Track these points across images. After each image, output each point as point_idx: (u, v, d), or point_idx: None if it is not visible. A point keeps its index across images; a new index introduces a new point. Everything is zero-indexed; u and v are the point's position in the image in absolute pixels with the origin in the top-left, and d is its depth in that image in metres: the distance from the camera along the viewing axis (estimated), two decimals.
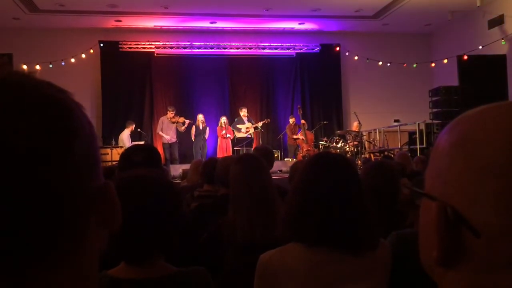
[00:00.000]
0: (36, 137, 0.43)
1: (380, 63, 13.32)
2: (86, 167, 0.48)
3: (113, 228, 0.52)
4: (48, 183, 0.43)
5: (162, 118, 11.71)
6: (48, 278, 0.45)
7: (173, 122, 11.50)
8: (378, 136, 12.21)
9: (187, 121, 11.62)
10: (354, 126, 11.70)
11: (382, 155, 10.35)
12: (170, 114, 11.54)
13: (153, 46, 12.93)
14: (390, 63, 13.30)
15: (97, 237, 0.51)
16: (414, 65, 13.18)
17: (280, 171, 9.24)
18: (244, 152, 10.92)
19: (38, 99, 0.45)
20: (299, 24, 13.04)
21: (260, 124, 11.94)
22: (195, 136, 11.60)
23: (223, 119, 11.64)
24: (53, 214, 0.44)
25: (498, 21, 11.14)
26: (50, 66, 11.63)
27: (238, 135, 11.71)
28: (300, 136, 11.60)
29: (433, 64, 13.24)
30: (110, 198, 0.51)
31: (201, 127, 11.61)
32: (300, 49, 13.68)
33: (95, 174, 0.50)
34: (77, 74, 11.80)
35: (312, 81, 13.76)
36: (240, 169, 2.29)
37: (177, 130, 11.62)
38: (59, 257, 0.46)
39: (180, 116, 11.61)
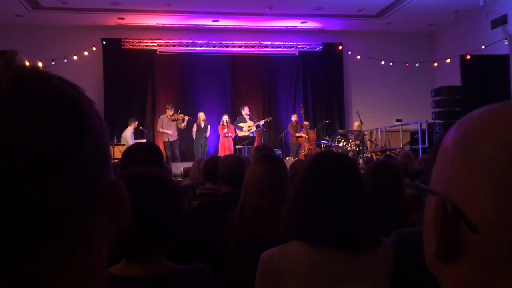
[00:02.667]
0: (47, 133, 0.43)
1: (383, 62, 13.30)
2: (97, 163, 0.47)
3: (122, 225, 0.52)
4: (58, 179, 0.43)
5: (162, 117, 11.70)
6: (58, 275, 0.45)
7: (173, 120, 11.49)
8: (380, 135, 12.20)
9: (186, 118, 11.61)
10: (356, 125, 11.68)
11: (384, 154, 10.34)
12: (170, 112, 11.52)
13: (156, 44, 12.94)
14: (392, 62, 13.27)
15: (107, 235, 0.51)
16: (417, 65, 13.16)
17: None
18: (246, 150, 10.94)
19: (50, 94, 0.45)
20: (302, 22, 13.03)
21: (262, 122, 11.93)
22: (196, 134, 11.60)
23: (225, 118, 11.64)
24: (63, 211, 0.44)
25: (501, 21, 11.11)
26: (53, 63, 11.64)
27: (240, 133, 11.71)
28: (303, 134, 11.60)
29: (435, 64, 13.21)
30: (120, 195, 0.51)
31: (202, 125, 11.61)
32: (303, 48, 13.67)
33: (105, 171, 0.49)
34: (79, 71, 11.79)
35: (314, 80, 13.76)
36: (264, 167, 2.25)
37: (177, 128, 11.60)
38: (69, 254, 0.45)
39: (179, 113, 11.60)
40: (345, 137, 11.14)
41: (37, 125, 0.42)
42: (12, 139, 0.41)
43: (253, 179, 2.23)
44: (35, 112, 0.43)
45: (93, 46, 12.49)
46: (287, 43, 13.50)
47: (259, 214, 2.15)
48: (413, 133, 11.30)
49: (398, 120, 12.93)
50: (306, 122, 11.79)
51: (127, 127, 11.27)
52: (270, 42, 13.40)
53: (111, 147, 10.31)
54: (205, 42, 13.13)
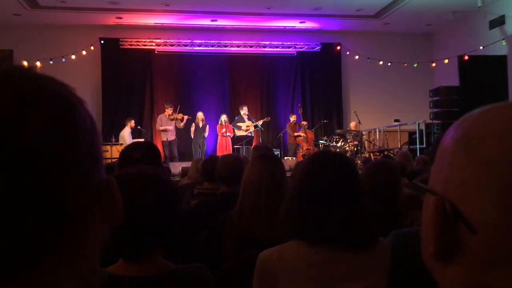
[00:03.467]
0: (38, 132, 0.43)
1: (381, 62, 13.31)
2: (88, 162, 0.48)
3: (115, 224, 0.52)
4: (50, 178, 0.43)
5: (161, 116, 11.69)
6: (51, 273, 0.45)
7: (172, 119, 11.48)
8: (378, 135, 12.21)
9: (185, 117, 11.59)
10: (352, 125, 11.69)
11: (382, 154, 10.35)
12: (169, 111, 11.51)
13: (154, 44, 12.93)
14: (390, 62, 13.29)
15: (99, 233, 0.51)
16: (415, 65, 13.18)
17: None
18: (244, 150, 10.94)
19: (40, 93, 0.45)
20: (300, 22, 13.03)
21: (260, 122, 11.93)
22: (194, 134, 11.59)
23: (223, 117, 11.64)
24: (55, 210, 0.44)
25: (499, 22, 11.13)
26: (51, 62, 11.63)
27: (238, 133, 11.71)
28: (301, 133, 11.59)
29: (433, 64, 13.24)
30: (112, 194, 0.51)
31: (200, 125, 11.60)
32: (301, 47, 13.68)
33: (97, 170, 0.49)
34: (77, 71, 11.79)
35: (313, 80, 13.77)
36: (263, 167, 2.25)
37: (176, 127, 11.59)
38: (61, 253, 0.45)
39: (178, 113, 11.59)
40: (343, 137, 11.15)
41: (27, 122, 0.42)
42: (2, 136, 0.41)
43: (251, 178, 2.24)
44: (25, 110, 0.43)
45: (91, 45, 12.48)
46: (285, 43, 13.51)
47: (257, 214, 2.15)
48: (411, 133, 11.31)
49: (396, 120, 12.94)
50: (304, 122, 11.79)
51: (125, 127, 11.26)
52: (268, 42, 13.41)
53: (109, 147, 10.34)
54: (203, 41, 13.14)
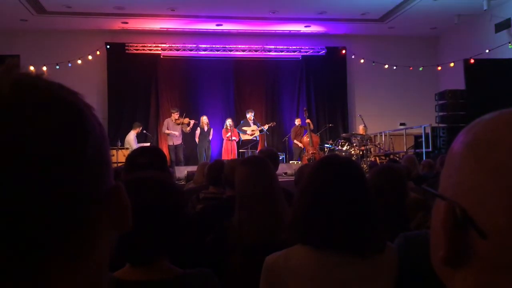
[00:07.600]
0: (47, 139, 0.43)
1: (386, 66, 13.29)
2: (97, 168, 0.48)
3: (123, 230, 0.52)
4: (59, 185, 0.43)
5: (167, 120, 11.71)
6: (59, 279, 0.45)
7: (178, 124, 11.50)
8: (383, 139, 12.17)
9: (192, 121, 11.61)
10: (360, 129, 11.68)
11: (387, 158, 10.32)
12: (175, 115, 11.53)
13: (159, 48, 12.98)
14: (396, 66, 13.27)
15: (107, 238, 0.51)
16: (420, 69, 13.15)
17: (285, 173, 9.24)
18: (249, 154, 10.94)
19: (50, 100, 0.45)
20: (305, 26, 13.04)
21: (266, 127, 11.94)
22: (199, 138, 11.61)
23: (229, 122, 11.65)
24: (64, 216, 0.44)
25: (505, 25, 11.10)
26: (57, 67, 11.70)
27: (244, 137, 11.71)
28: (303, 139, 11.56)
29: (439, 68, 13.20)
30: (120, 200, 0.51)
31: (205, 129, 11.61)
32: (306, 51, 13.69)
33: (106, 176, 0.50)
34: (83, 75, 11.85)
35: (318, 84, 13.76)
36: (247, 170, 2.30)
37: (182, 131, 11.61)
38: (69, 258, 0.46)
39: (184, 117, 11.62)
40: (349, 141, 11.13)
41: (37, 130, 0.42)
42: (13, 144, 0.41)
43: (239, 184, 2.29)
44: (35, 118, 0.43)
45: (97, 50, 12.54)
46: (290, 47, 13.53)
47: (252, 217, 2.18)
48: (417, 137, 11.27)
49: (401, 124, 12.91)
50: (308, 120, 11.65)
51: (130, 131, 11.29)
52: (273, 46, 13.43)
53: (115, 151, 10.38)
54: (208, 46, 13.18)
